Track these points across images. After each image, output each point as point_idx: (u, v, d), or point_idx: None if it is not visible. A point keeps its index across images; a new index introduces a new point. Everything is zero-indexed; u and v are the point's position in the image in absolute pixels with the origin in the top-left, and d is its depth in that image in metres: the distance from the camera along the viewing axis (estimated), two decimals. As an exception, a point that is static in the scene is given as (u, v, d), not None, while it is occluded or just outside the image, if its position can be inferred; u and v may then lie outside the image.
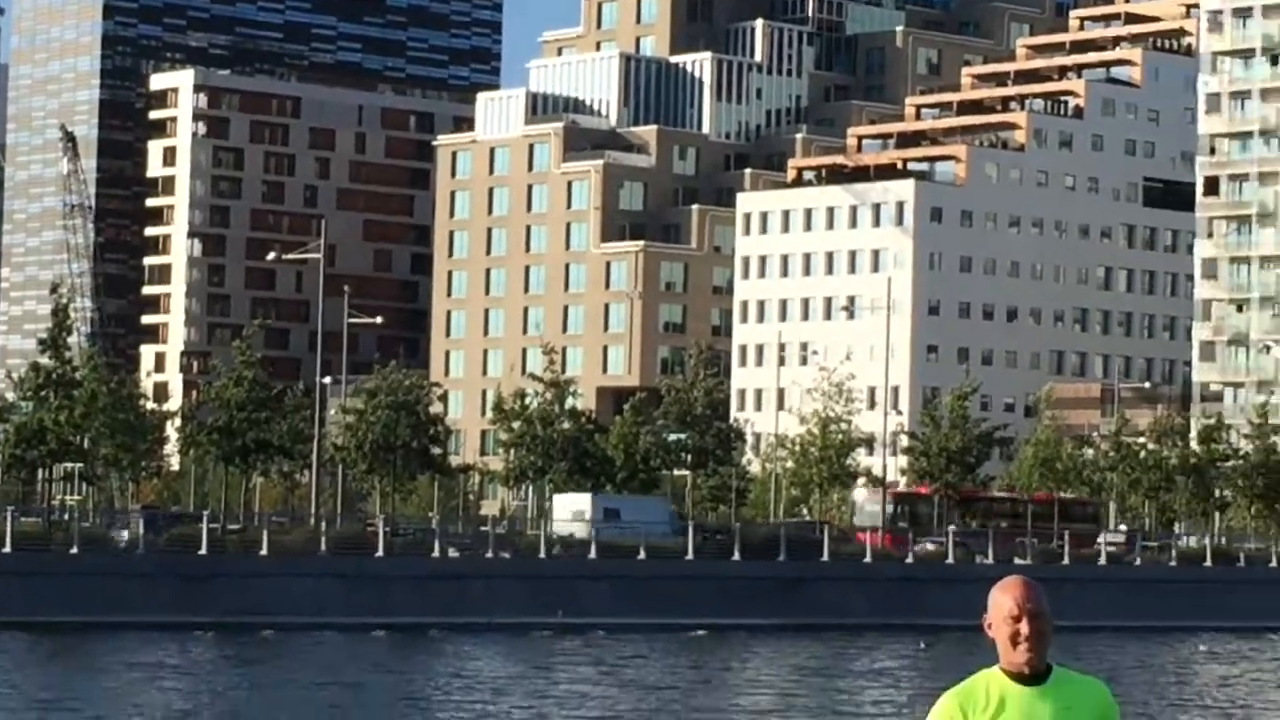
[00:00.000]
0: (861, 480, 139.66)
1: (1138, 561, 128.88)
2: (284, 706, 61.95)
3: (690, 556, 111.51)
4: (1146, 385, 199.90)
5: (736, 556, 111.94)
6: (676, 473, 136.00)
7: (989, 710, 8.03)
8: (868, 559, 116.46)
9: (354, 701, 64.73)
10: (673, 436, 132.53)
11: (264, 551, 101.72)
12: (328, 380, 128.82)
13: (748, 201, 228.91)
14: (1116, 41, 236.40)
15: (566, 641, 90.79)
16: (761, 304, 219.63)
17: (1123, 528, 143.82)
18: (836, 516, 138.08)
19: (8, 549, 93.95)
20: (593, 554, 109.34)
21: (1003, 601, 8.20)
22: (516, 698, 67.41)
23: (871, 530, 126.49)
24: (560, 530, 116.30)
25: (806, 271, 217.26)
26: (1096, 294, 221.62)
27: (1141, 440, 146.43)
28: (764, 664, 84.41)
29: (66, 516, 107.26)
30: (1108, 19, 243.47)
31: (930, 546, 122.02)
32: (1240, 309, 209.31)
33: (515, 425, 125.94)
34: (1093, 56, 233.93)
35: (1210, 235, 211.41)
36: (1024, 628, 8.09)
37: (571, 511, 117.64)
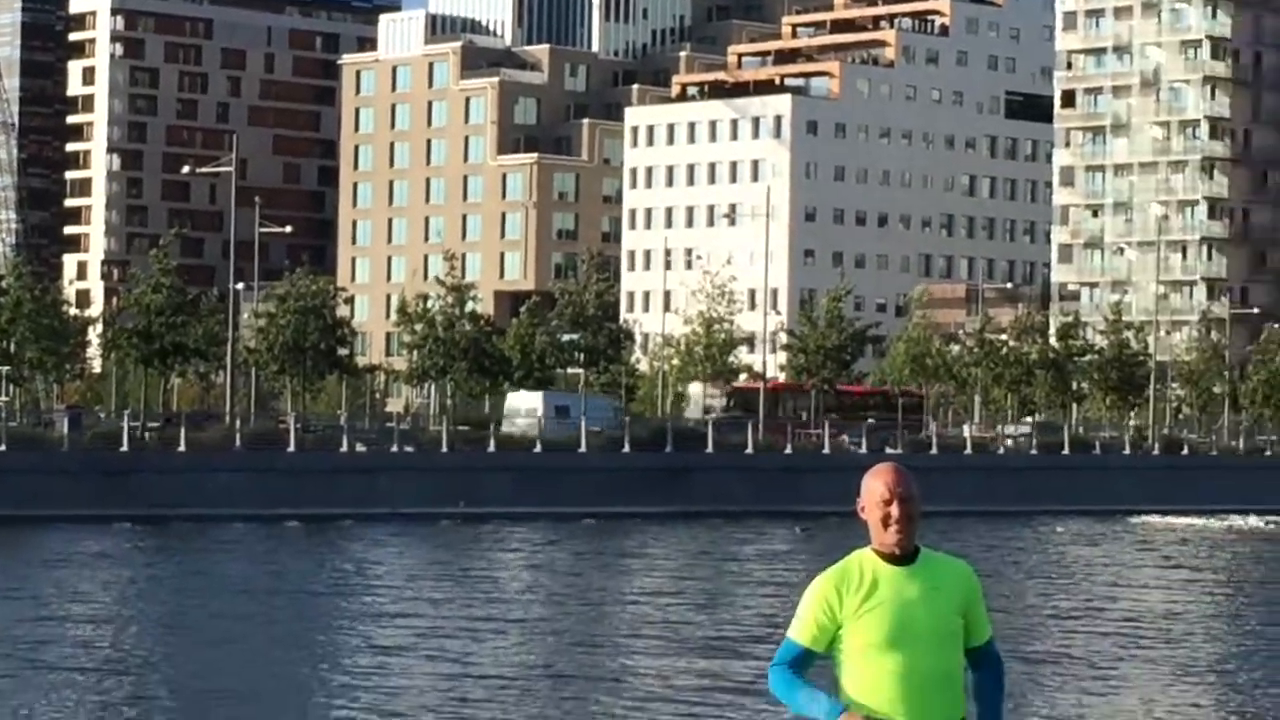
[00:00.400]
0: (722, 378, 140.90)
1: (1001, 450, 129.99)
2: (210, 593, 62.06)
3: (583, 449, 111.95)
4: (1009, 286, 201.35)
5: (626, 449, 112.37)
6: (570, 371, 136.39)
7: (862, 589, 8.45)
8: (749, 450, 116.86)
9: (273, 587, 64.85)
10: (566, 337, 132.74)
11: (182, 448, 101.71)
12: (240, 286, 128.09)
13: (635, 116, 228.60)
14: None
15: (468, 530, 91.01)
16: (649, 212, 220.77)
17: (1029, 421, 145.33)
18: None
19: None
20: (491, 447, 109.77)
21: (875, 486, 8.59)
22: (429, 582, 67.76)
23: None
24: (516, 427, 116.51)
25: (690, 181, 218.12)
26: (962, 200, 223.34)
27: (1004, 337, 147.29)
28: (656, 549, 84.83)
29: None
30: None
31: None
32: (1095, 214, 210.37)
33: (418, 328, 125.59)
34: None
35: (1067, 145, 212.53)
36: (895, 511, 8.49)
37: (524, 409, 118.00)
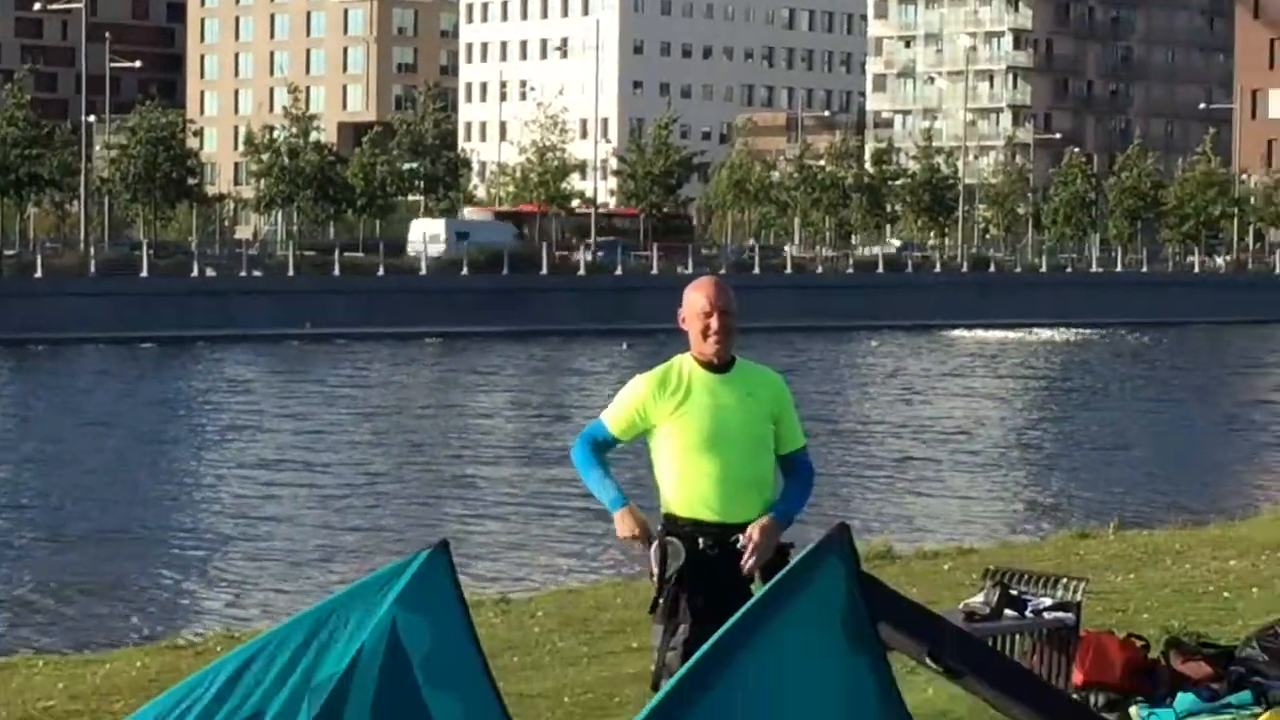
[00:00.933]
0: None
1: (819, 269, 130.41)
2: (69, 410, 61.69)
3: (423, 272, 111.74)
4: (826, 114, 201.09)
5: (464, 271, 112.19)
6: (410, 198, 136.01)
7: (679, 392, 9.05)
8: (582, 272, 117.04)
9: (131, 404, 64.55)
10: (406, 166, 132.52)
11: (38, 274, 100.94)
12: (92, 119, 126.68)
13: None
14: None
15: (316, 349, 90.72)
16: (485, 46, 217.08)
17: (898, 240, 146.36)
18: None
19: None
20: (336, 271, 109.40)
21: (696, 299, 9.10)
22: (276, 398, 67.62)
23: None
24: (415, 250, 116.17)
25: (524, 16, 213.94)
26: (782, 33, 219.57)
27: (821, 163, 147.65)
28: (496, 366, 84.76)
29: None
30: None
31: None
32: (908, 45, 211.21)
33: (264, 157, 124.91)
34: None
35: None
36: (713, 323, 8.99)
37: (428, 235, 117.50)
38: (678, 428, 9.03)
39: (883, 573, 11.51)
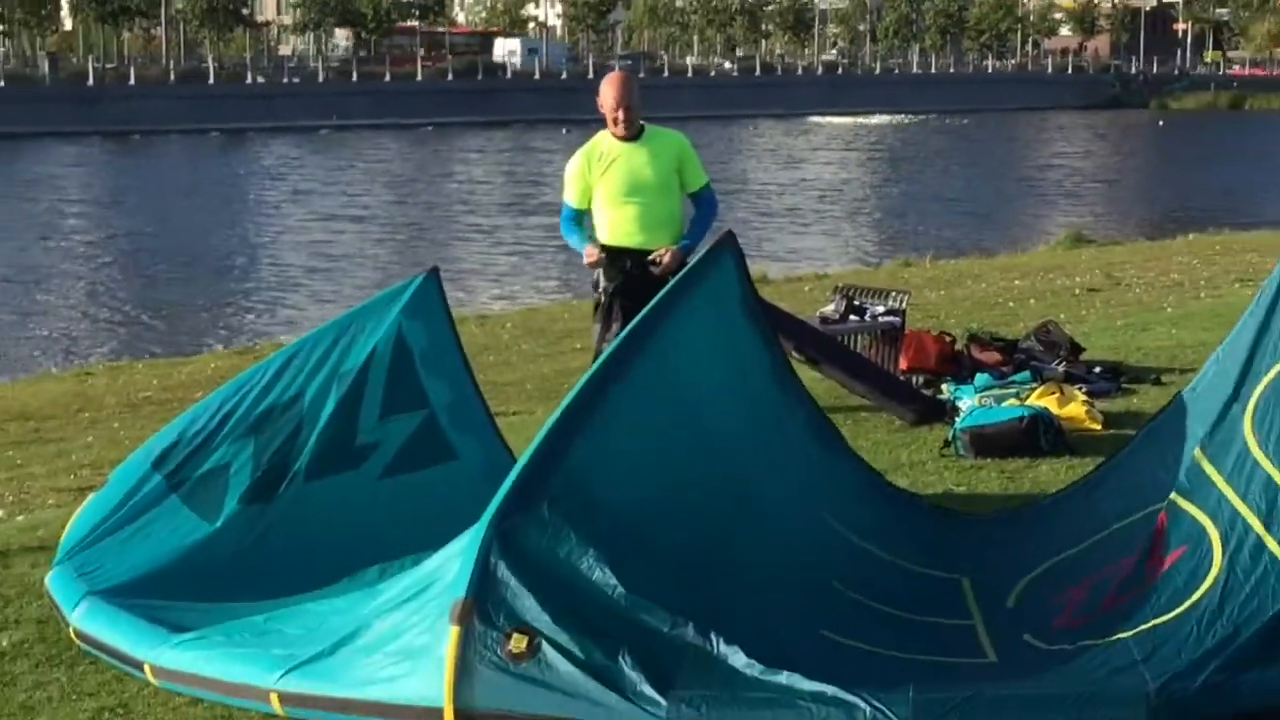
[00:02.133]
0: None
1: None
2: (164, 182, 60.95)
3: (419, 78, 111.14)
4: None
5: (450, 78, 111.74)
6: (408, 22, 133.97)
7: (604, 160, 9.56)
8: (536, 76, 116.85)
9: (206, 178, 63.89)
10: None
11: (132, 81, 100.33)
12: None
13: None
14: None
15: (339, 136, 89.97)
16: None
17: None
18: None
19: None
20: (354, 77, 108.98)
21: (606, 93, 9.47)
22: (317, 169, 67.11)
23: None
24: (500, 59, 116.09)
25: None
26: None
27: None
28: (479, 147, 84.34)
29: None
30: None
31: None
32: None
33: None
34: None
35: None
36: (620, 115, 9.41)
37: (507, 50, 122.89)
38: (605, 183, 9.54)
39: (759, 293, 11.55)
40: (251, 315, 29.53)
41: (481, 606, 5.82)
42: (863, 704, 5.56)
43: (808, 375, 12.20)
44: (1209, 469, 6.61)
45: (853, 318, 13.19)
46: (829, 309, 13.38)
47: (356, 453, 7.82)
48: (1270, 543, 6.17)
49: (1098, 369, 13.01)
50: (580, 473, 6.21)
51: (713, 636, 5.85)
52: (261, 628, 6.51)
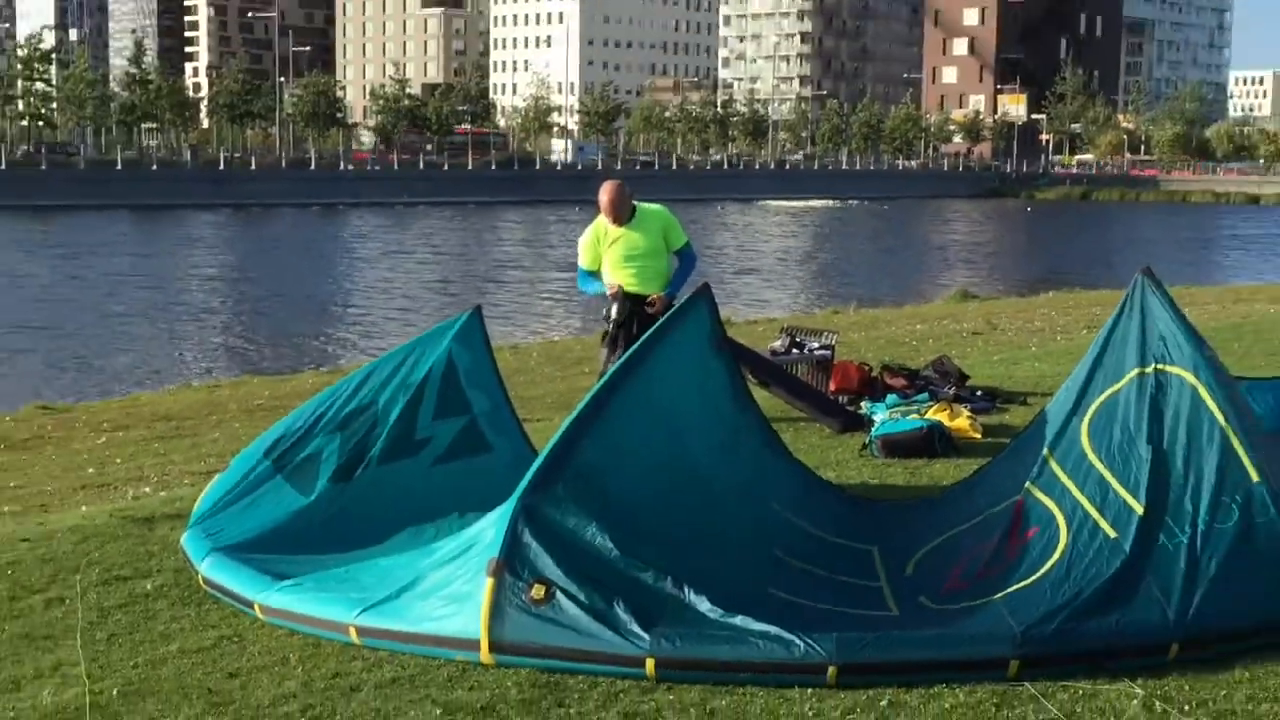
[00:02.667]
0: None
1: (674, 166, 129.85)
2: (278, 241, 60.86)
3: (470, 167, 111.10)
4: (695, 79, 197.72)
5: (493, 167, 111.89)
6: (460, 126, 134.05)
7: (608, 237, 9.80)
8: (559, 165, 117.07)
9: (310, 238, 63.77)
10: (460, 108, 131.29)
11: (252, 166, 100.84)
12: (283, 80, 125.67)
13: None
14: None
15: (408, 210, 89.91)
16: (505, 40, 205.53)
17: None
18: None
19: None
20: (420, 166, 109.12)
21: (601, 197, 9.75)
22: (389, 233, 66.93)
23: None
24: (554, 157, 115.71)
25: (526, 21, 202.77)
26: (670, 33, 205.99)
27: (694, 107, 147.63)
28: (513, 220, 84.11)
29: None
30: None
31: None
32: (741, 40, 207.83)
33: (379, 103, 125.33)
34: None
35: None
36: (611, 212, 9.70)
37: (558, 149, 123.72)
38: (610, 253, 9.84)
39: (726, 332, 11.56)
40: (339, 343, 29.56)
41: (510, 564, 5.92)
42: (798, 640, 5.60)
43: (760, 395, 12.24)
44: (1056, 467, 6.67)
45: (794, 350, 13.19)
46: (777, 344, 13.37)
47: (415, 445, 7.85)
48: (1103, 525, 6.23)
49: (979, 392, 13.02)
50: (585, 465, 6.31)
51: (685, 589, 5.92)
52: (342, 577, 6.56)
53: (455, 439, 8.00)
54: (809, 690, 5.51)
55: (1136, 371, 6.62)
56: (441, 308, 35.79)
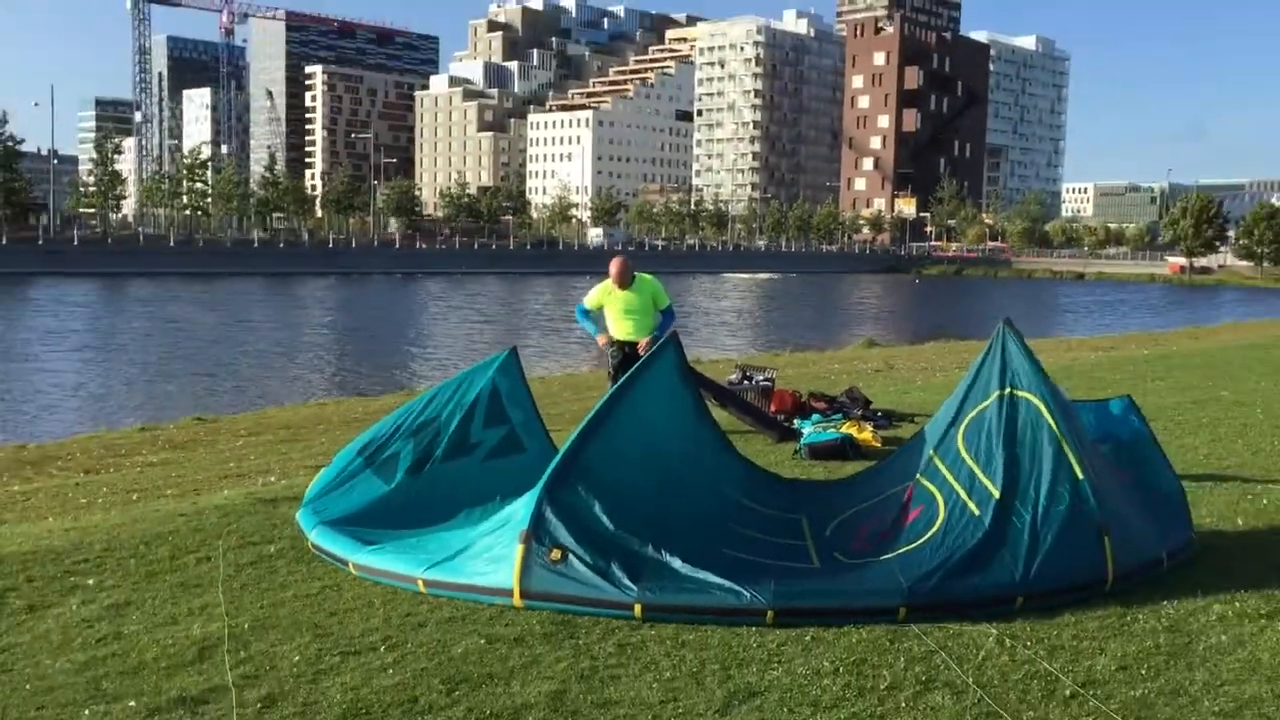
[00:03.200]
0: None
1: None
2: (372, 303, 60.29)
3: (511, 246, 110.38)
4: (675, 184, 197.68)
5: (528, 246, 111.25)
6: (504, 217, 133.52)
7: (614, 296, 9.95)
8: (577, 249, 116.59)
9: (394, 298, 63.35)
10: (504, 204, 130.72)
11: (353, 245, 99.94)
12: (377, 182, 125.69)
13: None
14: None
15: (467, 279, 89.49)
16: (536, 155, 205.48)
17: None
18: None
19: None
20: (475, 246, 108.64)
21: (612, 269, 9.78)
22: (455, 294, 66.47)
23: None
24: (594, 243, 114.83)
25: (550, 141, 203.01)
26: (655, 150, 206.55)
27: (675, 206, 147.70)
28: (543, 288, 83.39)
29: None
30: None
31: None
32: (710, 156, 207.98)
33: (447, 200, 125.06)
34: None
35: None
36: (619, 282, 9.75)
37: (595, 235, 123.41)
38: (611, 306, 9.96)
39: (692, 368, 11.54)
40: (413, 373, 29.35)
41: (536, 534, 5.88)
42: (744, 590, 5.57)
43: (718, 413, 12.22)
44: (939, 463, 6.65)
45: (745, 381, 13.12)
46: (733, 376, 13.32)
47: (470, 447, 7.75)
48: (970, 505, 6.22)
49: (880, 413, 12.95)
50: (589, 463, 6.27)
51: (662, 553, 5.89)
52: (414, 544, 6.50)
53: (499, 442, 7.92)
54: (753, 628, 5.49)
55: (997, 394, 6.62)
56: (489, 347, 35.49)
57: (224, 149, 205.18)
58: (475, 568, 5.96)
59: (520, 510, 6.07)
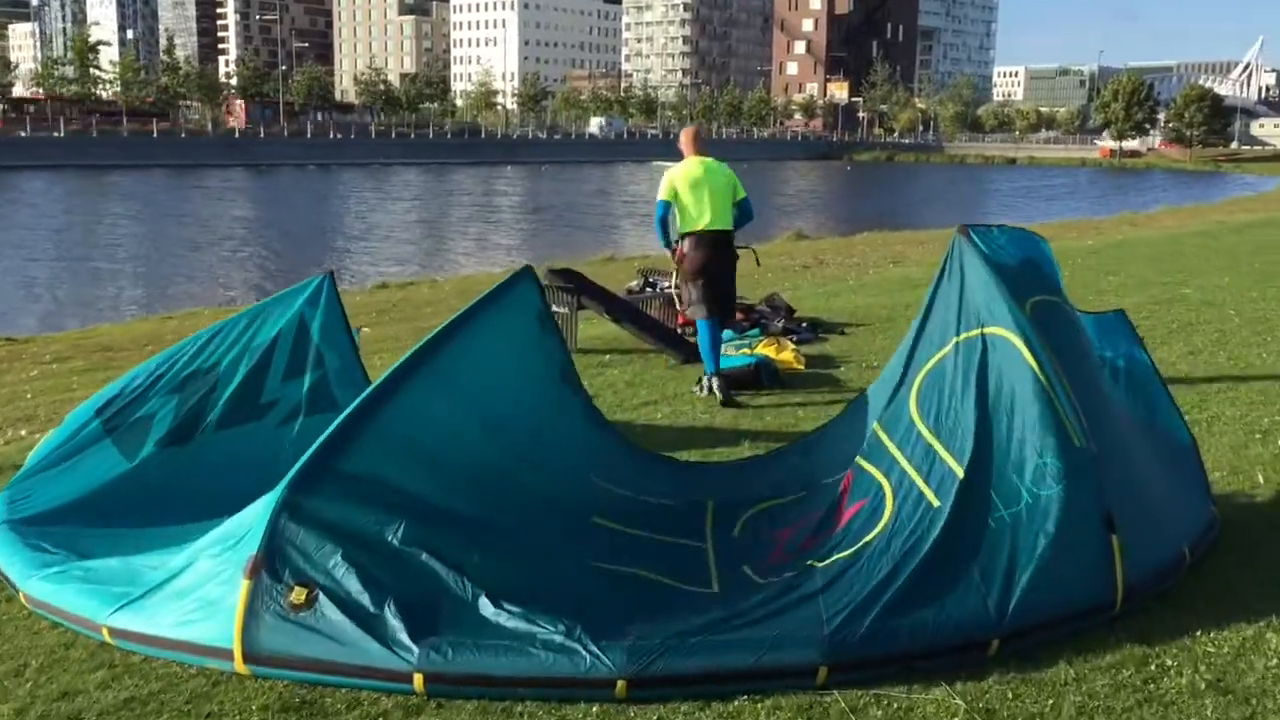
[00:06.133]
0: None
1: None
2: (320, 192, 56.33)
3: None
4: (602, 70, 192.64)
5: (448, 136, 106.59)
6: (424, 105, 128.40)
7: (688, 173, 7.83)
8: (602, 133, 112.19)
9: (350, 188, 59.73)
10: (425, 92, 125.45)
11: (261, 135, 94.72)
12: (283, 69, 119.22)
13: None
14: None
15: (382, 170, 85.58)
16: (463, 40, 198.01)
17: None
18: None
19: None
20: (392, 135, 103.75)
21: (685, 139, 8.08)
22: (368, 190, 62.98)
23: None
24: (592, 132, 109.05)
25: (479, 25, 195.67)
26: (584, 35, 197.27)
27: (603, 92, 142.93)
28: (574, 178, 79.88)
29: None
30: None
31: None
32: (640, 40, 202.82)
33: (367, 89, 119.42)
34: None
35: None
36: (695, 149, 7.99)
37: (595, 123, 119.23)
38: (691, 192, 7.93)
39: (593, 271, 9.61)
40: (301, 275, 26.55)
41: (270, 563, 3.86)
42: (583, 651, 3.68)
43: (613, 329, 10.26)
44: (884, 438, 4.76)
45: (648, 289, 11.23)
46: (634, 284, 11.42)
47: (261, 409, 5.71)
48: (928, 493, 4.35)
49: (804, 324, 11.15)
50: (380, 439, 4.24)
51: (467, 584, 3.93)
52: (116, 568, 4.44)
53: (304, 397, 5.85)
54: (594, 707, 3.60)
55: (959, 337, 4.74)
56: (417, 240, 32.73)
57: (129, 34, 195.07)
58: (181, 611, 3.99)
59: (251, 522, 4.06)
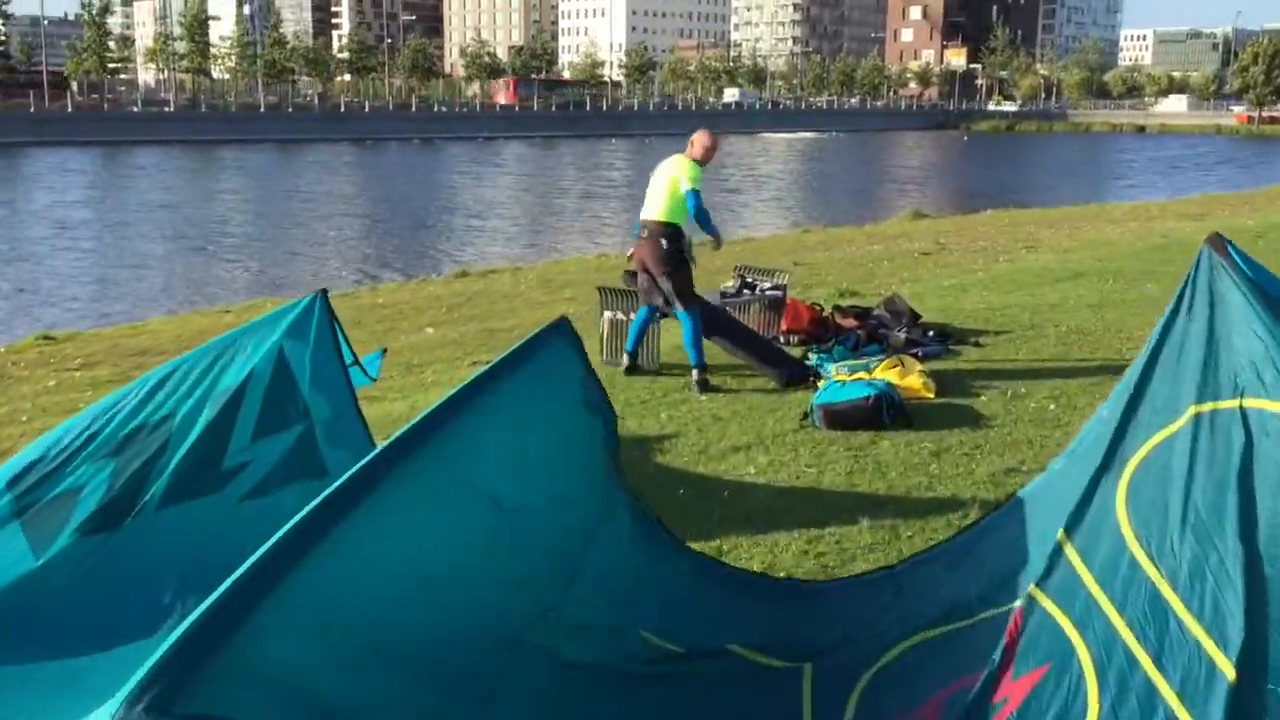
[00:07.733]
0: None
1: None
2: (386, 166, 56.07)
3: (535, 109, 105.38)
4: (711, 41, 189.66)
5: (553, 109, 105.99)
6: (533, 75, 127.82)
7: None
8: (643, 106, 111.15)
9: (405, 161, 59.26)
10: (534, 63, 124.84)
11: (366, 108, 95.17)
12: (388, 41, 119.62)
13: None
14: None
15: (490, 144, 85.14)
16: (572, 11, 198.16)
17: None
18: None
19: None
20: (497, 109, 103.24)
21: (704, 139, 7.96)
22: (470, 163, 62.39)
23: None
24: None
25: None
26: (693, 4, 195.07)
27: (712, 63, 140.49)
28: (588, 153, 79.01)
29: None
30: None
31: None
32: (749, 10, 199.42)
33: (472, 62, 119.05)
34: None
35: None
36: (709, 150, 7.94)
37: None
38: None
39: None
40: (432, 255, 25.18)
41: None
42: None
43: (705, 344, 8.69)
44: (1075, 559, 3.06)
45: (745, 291, 9.64)
46: (729, 284, 9.83)
47: (222, 477, 4.26)
48: (1162, 688, 2.68)
49: (930, 333, 9.43)
50: (273, 641, 2.63)
51: None
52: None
53: (281, 461, 4.37)
54: None
55: (1201, 406, 3.01)
56: (515, 217, 31.41)
57: (246, 9, 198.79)
58: None
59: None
